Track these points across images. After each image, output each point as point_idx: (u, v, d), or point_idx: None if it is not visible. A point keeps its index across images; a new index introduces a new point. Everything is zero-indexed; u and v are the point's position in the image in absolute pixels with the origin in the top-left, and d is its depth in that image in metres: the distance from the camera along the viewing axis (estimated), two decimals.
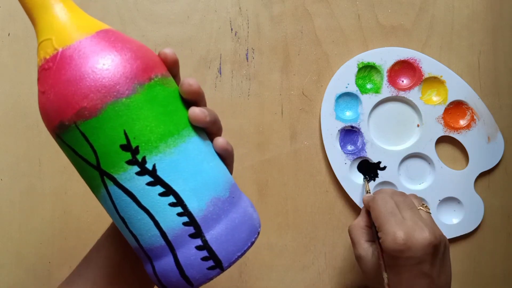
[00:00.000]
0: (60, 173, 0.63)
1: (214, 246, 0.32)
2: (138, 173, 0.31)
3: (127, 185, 0.31)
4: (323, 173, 0.64)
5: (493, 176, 0.64)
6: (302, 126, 0.63)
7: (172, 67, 0.36)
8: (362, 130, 0.62)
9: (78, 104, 0.30)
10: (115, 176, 0.31)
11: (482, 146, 0.62)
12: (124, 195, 0.31)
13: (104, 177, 0.31)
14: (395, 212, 0.48)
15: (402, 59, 0.62)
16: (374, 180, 0.63)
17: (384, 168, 0.63)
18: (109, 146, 0.30)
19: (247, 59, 0.63)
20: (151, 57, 0.34)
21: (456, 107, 0.62)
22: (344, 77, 0.62)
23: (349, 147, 0.63)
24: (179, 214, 0.32)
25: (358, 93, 0.62)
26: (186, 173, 0.32)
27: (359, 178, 0.63)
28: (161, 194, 0.31)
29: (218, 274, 0.33)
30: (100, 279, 0.39)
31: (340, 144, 0.63)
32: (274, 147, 0.63)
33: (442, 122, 0.62)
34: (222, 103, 0.62)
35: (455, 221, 0.63)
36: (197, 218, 0.32)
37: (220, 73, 0.63)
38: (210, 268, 0.32)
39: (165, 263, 0.32)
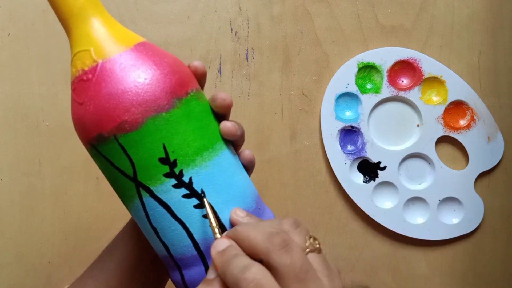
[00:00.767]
0: (60, 173, 0.63)
1: None
2: (175, 186, 0.31)
3: (163, 197, 0.31)
4: (323, 173, 0.64)
5: (493, 176, 0.64)
6: (302, 126, 0.63)
7: (200, 79, 0.36)
8: (362, 130, 0.62)
9: (120, 118, 0.30)
10: (152, 188, 0.31)
11: (482, 146, 0.62)
12: (160, 206, 0.32)
13: (140, 188, 0.32)
14: None
15: (402, 59, 0.62)
16: (374, 180, 0.63)
17: (384, 168, 0.63)
18: (148, 159, 0.31)
19: (247, 59, 0.63)
20: (186, 71, 0.34)
21: (456, 107, 0.62)
22: (344, 77, 0.62)
23: (349, 147, 0.63)
24: None
25: (358, 93, 0.62)
26: (219, 186, 0.32)
27: (359, 178, 0.63)
28: (195, 206, 0.32)
29: None
30: (114, 282, 0.39)
31: (340, 144, 0.63)
32: (274, 147, 0.63)
33: (442, 122, 0.62)
34: None
35: (455, 221, 0.63)
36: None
37: (220, 73, 0.63)
38: None
39: (196, 272, 0.33)
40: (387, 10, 0.63)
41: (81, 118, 0.31)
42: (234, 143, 0.37)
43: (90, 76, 0.31)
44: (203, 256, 0.32)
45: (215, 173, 0.33)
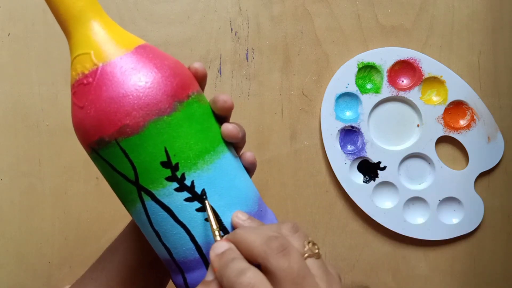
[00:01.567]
0: (60, 173, 0.63)
1: None
2: (177, 189, 0.31)
3: (165, 200, 0.31)
4: (323, 173, 0.64)
5: (493, 176, 0.64)
6: (302, 126, 0.63)
7: (201, 81, 0.36)
8: (362, 130, 0.62)
9: (121, 122, 0.30)
10: (154, 192, 0.31)
11: (482, 146, 0.62)
12: (161, 210, 0.32)
13: (142, 192, 0.32)
14: None
15: (402, 59, 0.62)
16: (374, 180, 0.63)
17: (384, 168, 0.63)
18: (150, 163, 0.31)
19: (247, 59, 0.63)
20: (187, 73, 0.34)
21: (456, 107, 0.62)
22: (344, 77, 0.62)
23: (349, 147, 0.63)
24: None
25: (358, 93, 0.62)
26: (221, 189, 0.32)
27: (359, 178, 0.63)
28: (198, 210, 0.32)
29: None
30: (114, 284, 0.39)
31: (340, 144, 0.63)
32: (274, 147, 0.63)
33: (442, 122, 0.62)
34: None
35: (455, 221, 0.63)
36: (230, 232, 0.32)
37: (220, 73, 0.63)
38: None
39: (198, 275, 0.33)
40: (387, 10, 0.63)
41: (82, 122, 0.31)
42: (235, 145, 0.36)
43: (90, 79, 0.30)
44: (205, 260, 0.32)
45: (217, 176, 0.32)
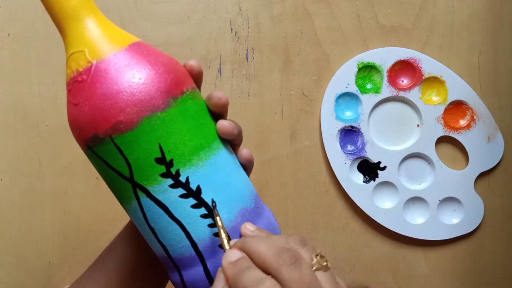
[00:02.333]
0: (60, 173, 0.63)
1: None
2: (171, 186, 0.31)
3: (160, 197, 0.31)
4: (323, 173, 0.64)
5: (493, 176, 0.64)
6: (302, 126, 0.63)
7: (196, 79, 0.36)
8: (362, 130, 0.62)
9: (115, 118, 0.30)
10: (149, 188, 0.31)
11: (482, 146, 0.62)
12: (157, 207, 0.32)
13: (137, 189, 0.32)
14: None
15: (402, 59, 0.62)
16: (374, 180, 0.63)
17: (384, 168, 0.63)
18: (144, 159, 0.31)
19: (247, 59, 0.63)
20: (181, 70, 0.34)
21: (456, 107, 0.62)
22: (344, 77, 0.62)
23: (349, 147, 0.63)
24: (210, 225, 0.32)
25: (358, 93, 0.62)
26: (217, 185, 0.32)
27: (359, 178, 0.63)
28: (193, 206, 0.32)
29: None
30: (113, 283, 0.39)
31: (340, 144, 0.63)
32: (274, 147, 0.63)
33: (442, 122, 0.62)
34: None
35: (455, 221, 0.63)
36: (227, 229, 0.32)
37: (220, 73, 0.63)
38: None
39: (194, 273, 0.33)
40: (387, 10, 0.63)
41: (77, 119, 0.31)
42: (232, 142, 0.36)
43: (84, 77, 0.31)
44: (201, 256, 0.32)
45: (212, 172, 0.32)
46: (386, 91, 0.62)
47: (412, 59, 0.61)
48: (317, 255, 0.28)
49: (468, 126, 0.62)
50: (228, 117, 0.37)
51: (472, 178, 0.63)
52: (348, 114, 0.63)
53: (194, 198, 0.32)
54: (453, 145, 0.63)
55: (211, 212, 0.32)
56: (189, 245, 0.32)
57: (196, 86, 0.36)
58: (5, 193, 0.63)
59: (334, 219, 0.64)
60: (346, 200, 0.64)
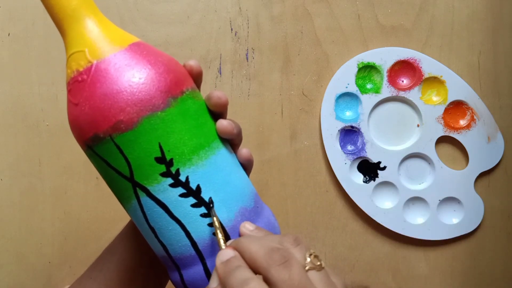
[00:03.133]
0: (60, 173, 0.63)
1: None
2: (171, 185, 0.31)
3: (160, 196, 0.31)
4: (323, 173, 0.64)
5: (493, 176, 0.64)
6: (302, 126, 0.63)
7: (196, 79, 0.36)
8: (362, 130, 0.62)
9: (115, 118, 0.30)
10: (149, 187, 0.31)
11: (482, 146, 0.62)
12: (157, 206, 0.32)
13: (137, 188, 0.32)
14: None
15: (402, 59, 0.62)
16: (374, 180, 0.63)
17: (384, 168, 0.63)
18: (144, 159, 0.31)
19: (247, 59, 0.63)
20: (181, 70, 0.34)
21: (456, 107, 0.62)
22: (344, 77, 0.62)
23: (349, 147, 0.63)
24: (210, 225, 0.32)
25: (358, 93, 0.62)
26: (216, 185, 0.32)
27: (359, 178, 0.63)
28: (193, 205, 0.32)
29: None
30: (113, 283, 0.39)
31: (340, 144, 0.63)
32: (274, 147, 0.63)
33: (442, 122, 0.62)
34: None
35: (455, 221, 0.63)
36: (226, 228, 0.32)
37: (220, 73, 0.63)
38: None
39: (194, 272, 0.33)
40: (387, 10, 0.63)
41: (77, 119, 0.31)
42: (231, 142, 0.37)
43: (85, 76, 0.31)
44: (201, 256, 0.32)
45: (212, 171, 0.32)
46: (386, 91, 0.62)
47: (412, 59, 0.61)
48: (310, 255, 0.28)
49: (468, 126, 0.62)
50: (228, 117, 0.37)
51: (472, 178, 0.63)
52: (348, 114, 0.63)
53: (194, 197, 0.32)
54: (453, 145, 0.63)
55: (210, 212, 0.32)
56: (189, 244, 0.32)
57: (196, 86, 0.36)
58: (5, 193, 0.63)
59: (334, 219, 0.64)
60: (346, 200, 0.64)
